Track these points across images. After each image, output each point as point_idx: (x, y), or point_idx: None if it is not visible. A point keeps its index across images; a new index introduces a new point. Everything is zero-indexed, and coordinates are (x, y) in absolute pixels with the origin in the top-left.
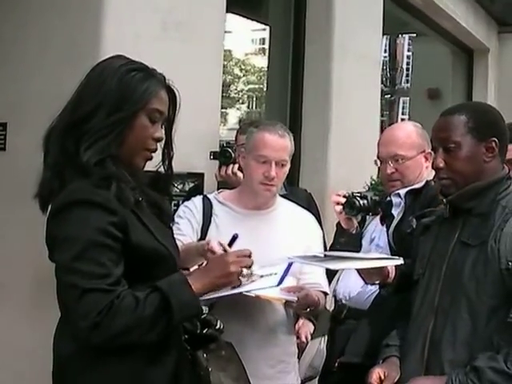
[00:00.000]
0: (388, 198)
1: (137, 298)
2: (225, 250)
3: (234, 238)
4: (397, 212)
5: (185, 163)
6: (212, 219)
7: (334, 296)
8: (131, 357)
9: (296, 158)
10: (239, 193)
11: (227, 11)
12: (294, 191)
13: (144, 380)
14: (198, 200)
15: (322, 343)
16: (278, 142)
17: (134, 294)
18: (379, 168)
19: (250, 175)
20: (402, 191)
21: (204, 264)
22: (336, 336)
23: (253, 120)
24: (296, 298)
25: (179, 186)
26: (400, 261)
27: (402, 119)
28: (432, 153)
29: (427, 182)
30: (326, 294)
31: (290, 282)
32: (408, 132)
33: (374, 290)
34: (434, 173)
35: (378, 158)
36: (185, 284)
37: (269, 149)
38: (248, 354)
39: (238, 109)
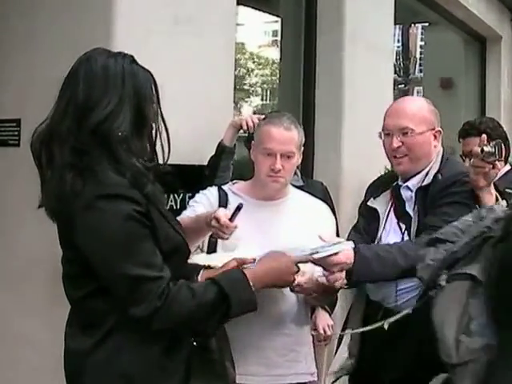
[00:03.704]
0: (399, 183)
1: (193, 290)
2: (230, 220)
3: (239, 208)
4: (411, 209)
5: (198, 156)
6: (227, 209)
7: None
8: (146, 348)
9: (309, 150)
10: (252, 184)
11: (238, 4)
12: (311, 183)
13: (159, 370)
14: (213, 189)
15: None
16: (282, 135)
17: (189, 286)
18: (383, 141)
19: (258, 168)
20: (412, 183)
21: (267, 261)
22: (368, 338)
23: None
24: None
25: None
26: (349, 243)
27: None
28: (441, 131)
29: (435, 177)
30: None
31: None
32: (419, 106)
33: (405, 287)
34: (440, 152)
35: (384, 130)
36: (245, 282)
37: (273, 142)
38: (258, 343)
39: (251, 101)
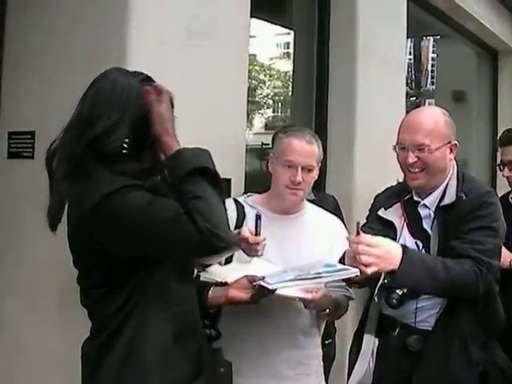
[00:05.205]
0: (414, 198)
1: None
2: (256, 234)
3: (259, 218)
4: (429, 227)
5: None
6: (244, 222)
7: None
8: (159, 342)
9: (322, 163)
10: (268, 197)
11: (251, 16)
12: (322, 197)
13: (171, 363)
14: (230, 201)
15: (371, 363)
16: (304, 148)
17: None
18: (397, 155)
19: (277, 180)
20: (429, 201)
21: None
22: (383, 354)
23: (288, 124)
24: (309, 297)
25: None
26: (356, 271)
27: None
28: (457, 144)
29: (458, 196)
30: (350, 298)
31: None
32: (435, 120)
33: (425, 305)
34: (455, 166)
35: (398, 144)
36: (181, 152)
37: (295, 154)
38: (269, 355)
39: (263, 113)
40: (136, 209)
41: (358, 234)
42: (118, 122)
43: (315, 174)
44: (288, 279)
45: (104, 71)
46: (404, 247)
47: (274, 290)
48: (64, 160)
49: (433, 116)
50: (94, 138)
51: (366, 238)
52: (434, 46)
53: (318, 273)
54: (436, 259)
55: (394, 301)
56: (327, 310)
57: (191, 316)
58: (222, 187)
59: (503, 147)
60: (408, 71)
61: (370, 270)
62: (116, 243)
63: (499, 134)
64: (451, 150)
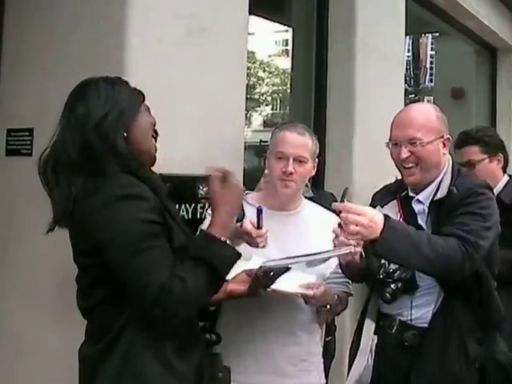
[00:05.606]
0: (410, 194)
1: (184, 280)
2: (258, 228)
3: (260, 211)
4: (424, 222)
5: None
6: (243, 219)
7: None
8: (157, 349)
9: (320, 160)
10: (265, 194)
11: (250, 13)
12: (321, 194)
13: (171, 370)
14: None
15: (369, 360)
16: (296, 139)
17: (179, 277)
18: (391, 151)
19: (271, 173)
20: (422, 196)
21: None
22: (382, 351)
23: (287, 122)
24: (311, 293)
25: (205, 189)
26: (349, 247)
27: None
28: (450, 138)
29: (450, 190)
30: (349, 294)
31: (310, 278)
32: (427, 114)
33: (420, 302)
34: (450, 162)
35: (391, 140)
36: (215, 241)
37: (286, 145)
38: (270, 352)
39: (262, 111)
40: (134, 225)
41: (341, 201)
42: (109, 112)
43: (309, 168)
44: (280, 258)
45: (80, 83)
46: (386, 216)
47: (271, 282)
48: (74, 152)
49: (424, 111)
50: (96, 124)
51: (354, 206)
52: (432, 44)
53: (313, 254)
54: (420, 232)
55: (388, 295)
56: (328, 306)
57: (192, 325)
58: (220, 286)
59: (458, 149)
60: (406, 68)
61: (354, 239)
62: (113, 247)
63: (498, 131)
64: (444, 145)
